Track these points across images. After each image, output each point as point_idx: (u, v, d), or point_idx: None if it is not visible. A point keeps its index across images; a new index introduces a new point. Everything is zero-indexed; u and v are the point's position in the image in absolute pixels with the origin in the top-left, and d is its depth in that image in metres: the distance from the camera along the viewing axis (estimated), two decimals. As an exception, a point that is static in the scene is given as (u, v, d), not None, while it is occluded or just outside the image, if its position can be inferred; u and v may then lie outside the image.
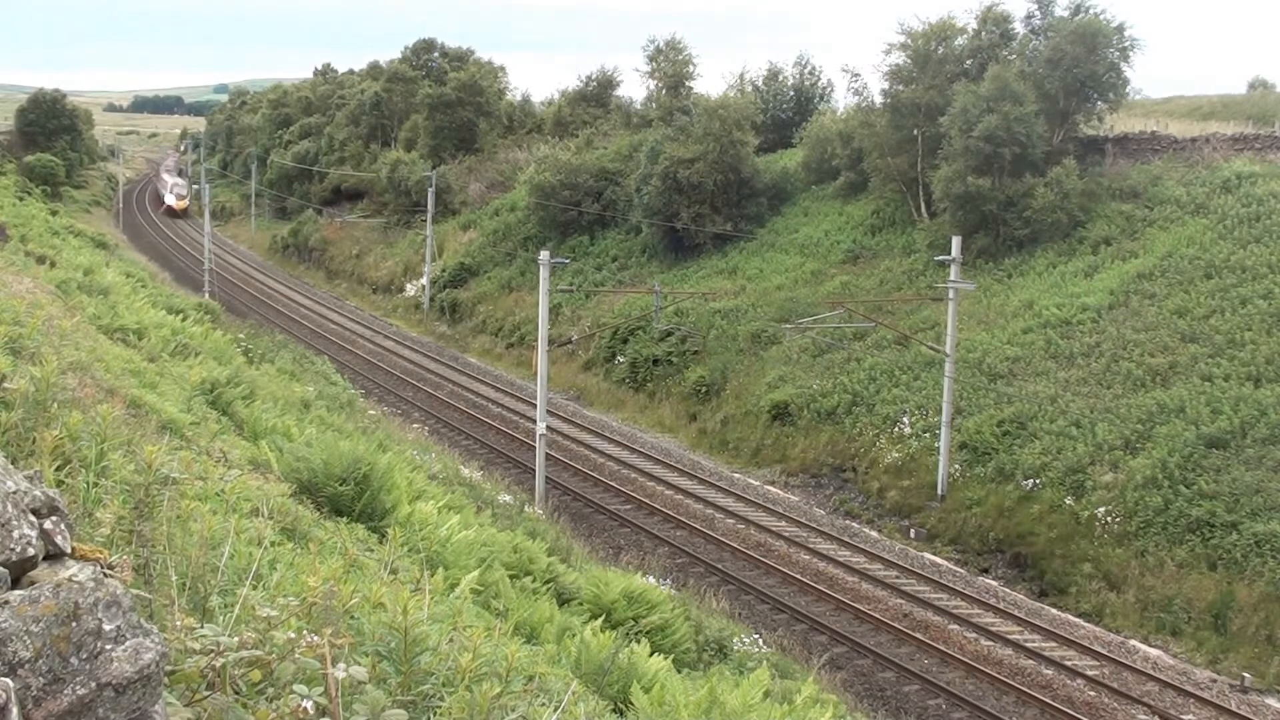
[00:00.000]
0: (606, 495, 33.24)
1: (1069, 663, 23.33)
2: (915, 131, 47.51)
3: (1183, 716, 21.39)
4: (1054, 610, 26.63)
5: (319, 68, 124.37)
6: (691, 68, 67.85)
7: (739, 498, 33.34)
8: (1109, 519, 28.65)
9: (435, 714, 4.13)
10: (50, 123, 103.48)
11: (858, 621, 25.29)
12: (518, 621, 9.74)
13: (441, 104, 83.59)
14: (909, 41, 48.77)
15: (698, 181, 53.78)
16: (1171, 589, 26.10)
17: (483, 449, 37.22)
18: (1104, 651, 23.99)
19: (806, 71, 67.32)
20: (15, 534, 2.89)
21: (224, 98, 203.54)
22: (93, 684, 2.78)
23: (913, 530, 31.57)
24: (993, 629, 24.86)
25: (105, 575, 2.99)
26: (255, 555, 5.42)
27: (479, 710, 4.01)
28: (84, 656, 2.79)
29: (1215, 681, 23.18)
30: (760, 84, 66.29)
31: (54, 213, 60.63)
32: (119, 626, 2.88)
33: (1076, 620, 26.10)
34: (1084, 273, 39.31)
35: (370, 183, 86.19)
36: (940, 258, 35.56)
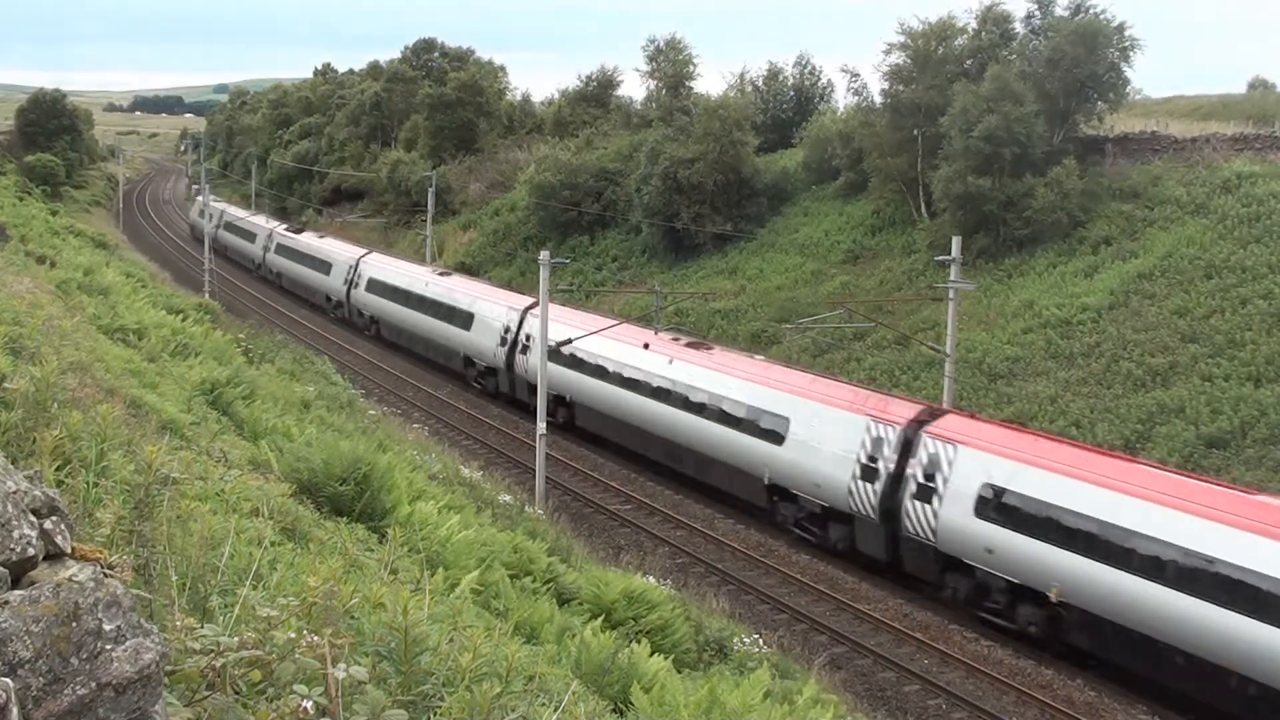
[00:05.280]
0: (606, 495, 33.23)
1: (1069, 662, 23.30)
2: (915, 131, 47.52)
3: (1184, 716, 21.36)
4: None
5: (319, 68, 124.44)
6: (691, 68, 67.93)
7: (739, 498, 33.28)
8: (1109, 519, 28.52)
9: (435, 714, 4.13)
10: (50, 123, 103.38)
11: (858, 621, 25.28)
12: (518, 621, 9.74)
13: (441, 104, 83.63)
14: (909, 41, 48.81)
15: (698, 181, 53.79)
16: (1172, 589, 26.01)
17: (483, 449, 37.19)
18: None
19: (806, 71, 67.37)
20: (15, 534, 2.89)
21: (224, 98, 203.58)
22: (93, 684, 2.78)
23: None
24: (993, 628, 24.83)
25: (105, 575, 2.99)
26: (255, 555, 5.42)
27: (479, 710, 4.02)
28: (84, 657, 2.79)
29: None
30: (760, 84, 66.32)
31: (54, 213, 60.56)
32: (119, 626, 2.88)
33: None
34: (1084, 273, 39.31)
35: (370, 183, 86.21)
36: (940, 258, 35.57)
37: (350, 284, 56.78)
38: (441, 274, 50.70)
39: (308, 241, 66.10)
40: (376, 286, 53.97)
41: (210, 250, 60.84)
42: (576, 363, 36.15)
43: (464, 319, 44.31)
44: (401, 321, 50.67)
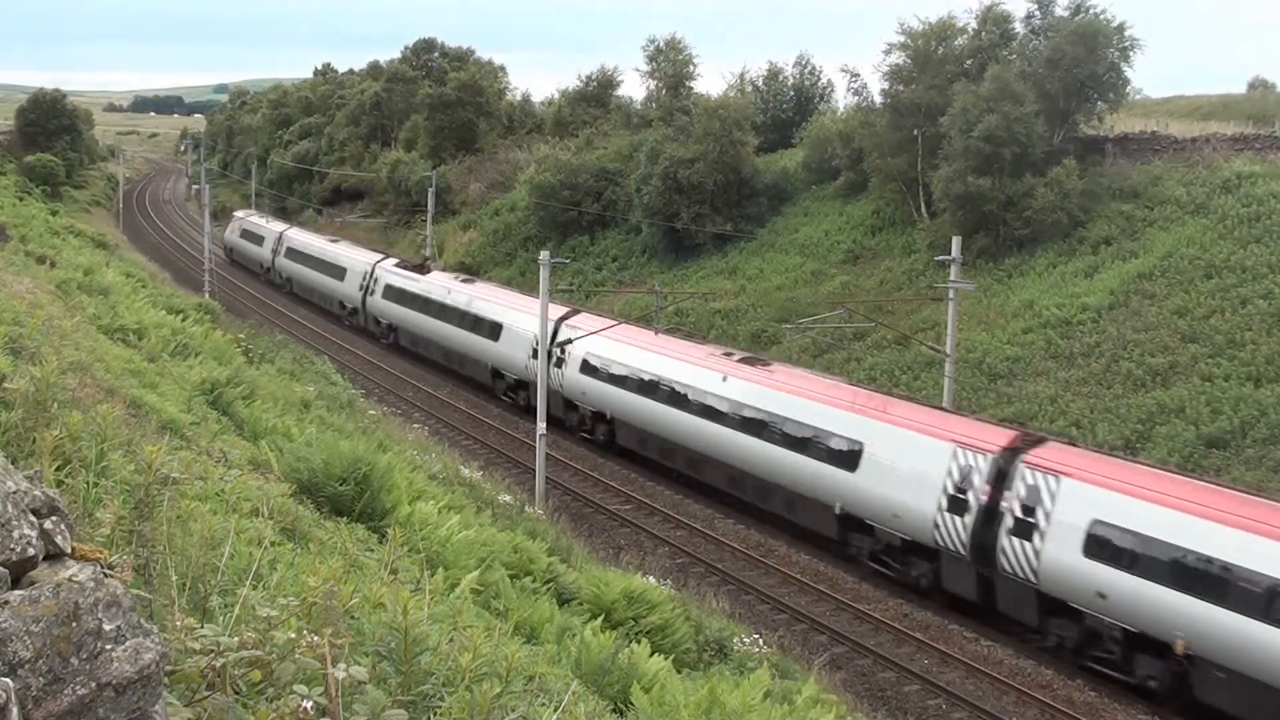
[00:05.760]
0: (606, 495, 33.24)
1: (1069, 662, 23.30)
2: (915, 131, 47.53)
3: (1184, 717, 21.36)
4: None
5: (319, 68, 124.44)
6: (691, 68, 67.97)
7: (739, 498, 33.30)
8: (1109, 519, 28.41)
9: (435, 714, 4.13)
10: (50, 123, 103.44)
11: (858, 621, 25.28)
12: (518, 621, 9.74)
13: (441, 104, 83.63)
14: (909, 41, 48.82)
15: (698, 181, 53.80)
16: (1172, 589, 25.95)
17: (483, 449, 37.19)
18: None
19: (806, 71, 67.39)
20: (15, 534, 2.89)
21: (224, 98, 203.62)
22: (93, 684, 2.78)
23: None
24: (992, 628, 24.84)
25: (105, 575, 2.99)
26: (255, 555, 5.42)
27: (479, 710, 4.02)
28: (84, 657, 2.79)
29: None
30: (760, 84, 66.35)
31: (54, 213, 60.60)
32: (119, 626, 2.88)
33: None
34: (1084, 273, 39.31)
35: (370, 183, 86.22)
36: (940, 258, 35.60)
37: (556, 362, 37.28)
38: (747, 361, 32.47)
39: (443, 285, 47.90)
40: (611, 375, 35.23)
41: (210, 250, 60.68)
42: None
43: (848, 457, 27.24)
44: (675, 431, 32.80)
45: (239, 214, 76.41)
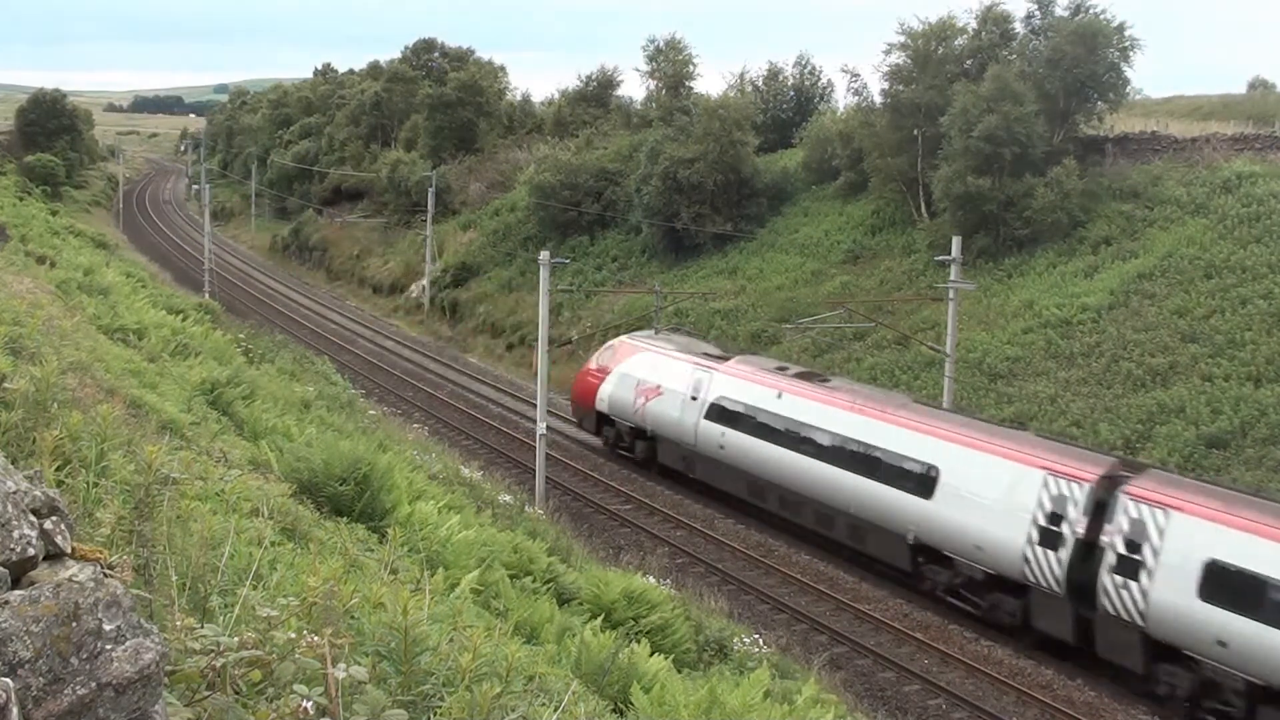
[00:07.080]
0: (606, 495, 33.24)
1: (1069, 662, 23.30)
2: (915, 131, 47.49)
3: (1184, 717, 21.35)
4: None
5: (319, 68, 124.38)
6: (691, 68, 67.91)
7: (738, 498, 33.29)
8: (1109, 519, 28.37)
9: (435, 714, 4.13)
10: (50, 123, 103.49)
11: (858, 621, 25.29)
12: (518, 621, 9.74)
13: (441, 104, 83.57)
14: (909, 41, 48.80)
15: (698, 181, 53.78)
16: (1172, 589, 25.92)
17: (483, 449, 37.20)
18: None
19: (806, 71, 67.33)
20: (15, 534, 2.89)
21: (224, 98, 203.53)
22: (93, 684, 2.78)
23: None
24: (992, 628, 24.83)
25: (105, 575, 2.99)
26: (255, 555, 5.42)
27: (479, 710, 4.01)
28: (84, 657, 2.79)
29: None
30: (760, 84, 66.30)
31: (54, 213, 60.60)
32: (119, 626, 2.88)
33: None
34: (1084, 273, 39.31)
35: (370, 183, 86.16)
36: (940, 258, 35.56)
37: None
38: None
39: None
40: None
41: (210, 250, 60.53)
42: None
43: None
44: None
45: (656, 346, 35.93)
